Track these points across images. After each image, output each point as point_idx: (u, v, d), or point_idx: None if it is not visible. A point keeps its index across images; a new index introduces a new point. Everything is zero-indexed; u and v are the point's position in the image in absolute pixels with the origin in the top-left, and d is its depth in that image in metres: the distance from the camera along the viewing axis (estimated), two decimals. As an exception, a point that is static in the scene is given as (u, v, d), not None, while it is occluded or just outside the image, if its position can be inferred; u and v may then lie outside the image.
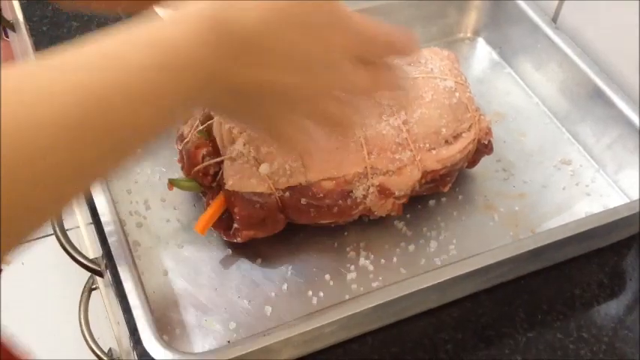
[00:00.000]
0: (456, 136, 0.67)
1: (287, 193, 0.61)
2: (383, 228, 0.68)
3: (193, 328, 0.60)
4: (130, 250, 0.61)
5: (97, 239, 0.63)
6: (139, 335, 0.54)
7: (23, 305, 1.39)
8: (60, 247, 0.69)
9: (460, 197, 0.72)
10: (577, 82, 0.78)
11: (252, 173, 0.61)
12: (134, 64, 0.37)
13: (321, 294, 0.63)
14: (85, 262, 0.67)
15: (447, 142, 0.66)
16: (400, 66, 0.49)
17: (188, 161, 0.65)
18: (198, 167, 0.64)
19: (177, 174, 0.68)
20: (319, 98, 0.45)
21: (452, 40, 0.89)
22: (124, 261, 0.59)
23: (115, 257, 0.59)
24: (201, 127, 0.65)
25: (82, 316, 0.77)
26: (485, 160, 0.73)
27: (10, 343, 0.58)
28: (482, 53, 0.89)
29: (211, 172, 0.64)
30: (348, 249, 0.66)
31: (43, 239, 1.58)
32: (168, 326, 0.60)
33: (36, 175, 0.34)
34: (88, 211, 0.66)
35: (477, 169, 0.74)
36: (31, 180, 0.33)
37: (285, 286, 0.63)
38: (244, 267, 0.65)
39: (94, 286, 0.84)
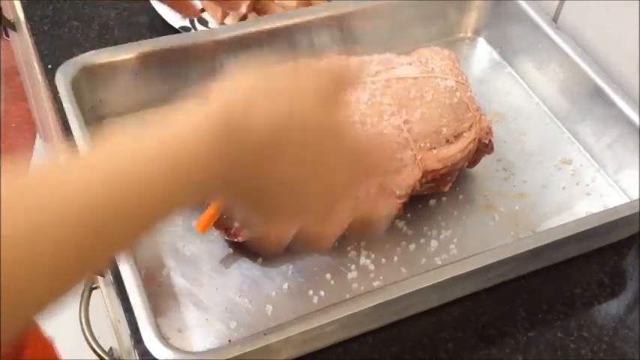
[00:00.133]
0: (457, 136, 0.67)
1: (288, 193, 0.61)
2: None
3: (194, 327, 0.60)
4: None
5: (98, 238, 0.63)
6: (140, 334, 0.54)
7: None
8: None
9: (461, 197, 0.72)
10: (577, 82, 0.78)
11: (253, 172, 0.61)
12: (145, 172, 0.38)
13: (322, 293, 0.63)
14: (85, 261, 0.67)
15: (447, 141, 0.66)
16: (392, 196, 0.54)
17: (189, 160, 0.65)
18: (199, 166, 0.64)
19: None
20: (303, 207, 0.49)
21: (452, 40, 0.89)
22: (125, 260, 0.59)
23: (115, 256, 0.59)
24: (202, 127, 0.65)
25: (82, 316, 0.77)
26: (485, 160, 0.73)
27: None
28: (483, 53, 0.89)
29: (212, 171, 0.64)
30: (348, 248, 0.66)
31: (43, 238, 1.60)
32: (169, 325, 0.60)
33: (38, 273, 0.34)
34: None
35: (478, 169, 0.74)
36: (32, 279, 0.34)
37: (285, 285, 0.63)
38: (245, 266, 0.65)
39: (94, 285, 0.84)
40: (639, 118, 0.72)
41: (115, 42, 0.80)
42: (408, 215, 0.69)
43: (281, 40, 0.77)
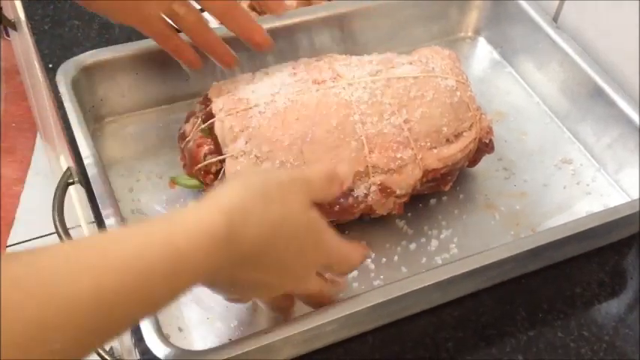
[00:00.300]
0: (457, 135, 0.67)
1: (288, 192, 0.61)
2: (384, 226, 0.68)
3: (195, 326, 0.61)
4: (131, 248, 0.61)
5: (99, 237, 0.63)
6: (140, 333, 0.54)
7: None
8: (61, 246, 0.69)
9: (461, 196, 0.72)
10: (578, 82, 0.78)
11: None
12: (145, 269, 0.41)
13: (322, 292, 0.63)
14: (86, 260, 0.67)
15: (448, 140, 0.66)
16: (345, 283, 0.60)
17: (190, 159, 0.66)
18: (199, 165, 0.64)
19: (179, 172, 0.69)
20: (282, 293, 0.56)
21: (453, 40, 0.89)
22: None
23: (116, 255, 0.59)
24: (203, 126, 0.65)
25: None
26: (486, 159, 0.73)
27: None
28: (483, 52, 0.89)
29: (213, 170, 0.64)
30: (349, 248, 0.66)
31: (44, 238, 1.59)
32: (169, 324, 0.60)
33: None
34: (89, 210, 0.66)
35: (478, 168, 0.74)
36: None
37: (286, 285, 0.63)
38: (245, 265, 0.65)
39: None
40: (639, 118, 0.73)
41: (116, 41, 0.80)
42: (409, 214, 0.69)
43: (281, 40, 0.77)
